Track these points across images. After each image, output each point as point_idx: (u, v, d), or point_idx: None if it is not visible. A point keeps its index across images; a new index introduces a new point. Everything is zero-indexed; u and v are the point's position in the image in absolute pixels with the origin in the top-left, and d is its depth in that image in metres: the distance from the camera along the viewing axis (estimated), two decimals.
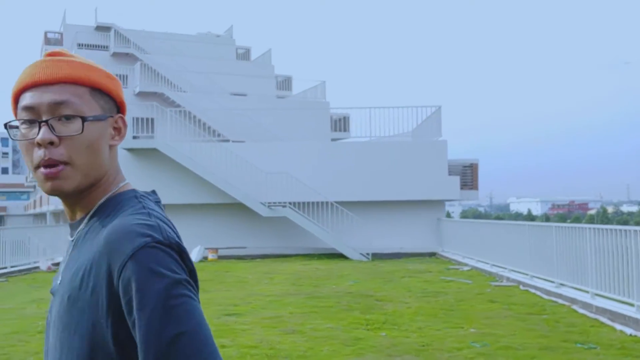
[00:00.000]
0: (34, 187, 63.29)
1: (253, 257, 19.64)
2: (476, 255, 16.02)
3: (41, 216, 55.97)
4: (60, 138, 1.14)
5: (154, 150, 19.25)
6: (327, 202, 19.49)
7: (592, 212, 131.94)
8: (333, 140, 26.88)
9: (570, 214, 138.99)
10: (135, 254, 1.04)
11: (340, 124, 30.09)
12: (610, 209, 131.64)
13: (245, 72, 31.89)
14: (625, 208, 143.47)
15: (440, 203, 20.81)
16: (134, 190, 1.24)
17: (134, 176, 19.35)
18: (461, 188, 20.51)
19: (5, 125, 1.21)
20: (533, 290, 11.46)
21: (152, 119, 24.11)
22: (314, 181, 19.48)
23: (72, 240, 1.23)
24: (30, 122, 1.16)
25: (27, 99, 1.17)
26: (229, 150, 19.49)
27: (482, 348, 7.07)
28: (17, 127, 1.19)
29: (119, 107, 1.26)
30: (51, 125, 1.14)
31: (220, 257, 19.23)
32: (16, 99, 1.20)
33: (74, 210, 1.23)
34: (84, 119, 1.16)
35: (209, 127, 24.22)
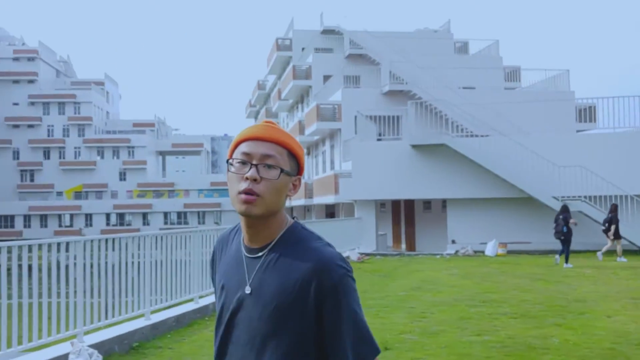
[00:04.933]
0: None
1: (540, 253, 19.23)
2: None
3: None
4: (262, 178, 1.59)
5: (440, 145, 19.57)
6: (623, 196, 18.56)
7: None
8: (578, 131, 25.64)
9: None
10: (340, 281, 1.58)
11: (586, 114, 28.59)
12: None
13: (468, 65, 31.42)
14: None
15: None
16: (297, 222, 1.70)
17: (419, 171, 19.86)
18: None
19: (227, 161, 1.67)
20: None
21: (399, 117, 24.67)
22: (604, 174, 18.65)
23: (259, 259, 1.64)
24: (244, 163, 1.62)
25: (246, 147, 1.63)
26: (516, 144, 19.25)
27: None
28: (231, 164, 1.65)
29: (299, 170, 1.68)
30: (258, 168, 1.59)
31: (509, 252, 19.08)
32: (237, 144, 1.66)
33: (253, 237, 1.65)
34: (282, 170, 1.61)
35: (452, 122, 24.11)
